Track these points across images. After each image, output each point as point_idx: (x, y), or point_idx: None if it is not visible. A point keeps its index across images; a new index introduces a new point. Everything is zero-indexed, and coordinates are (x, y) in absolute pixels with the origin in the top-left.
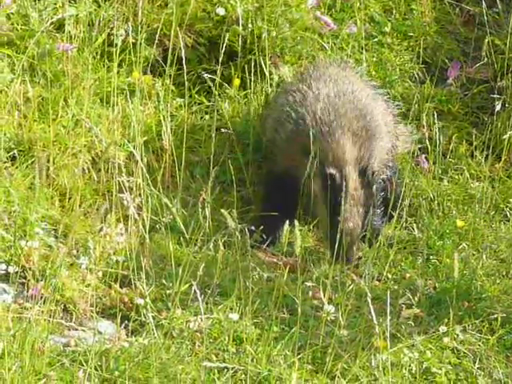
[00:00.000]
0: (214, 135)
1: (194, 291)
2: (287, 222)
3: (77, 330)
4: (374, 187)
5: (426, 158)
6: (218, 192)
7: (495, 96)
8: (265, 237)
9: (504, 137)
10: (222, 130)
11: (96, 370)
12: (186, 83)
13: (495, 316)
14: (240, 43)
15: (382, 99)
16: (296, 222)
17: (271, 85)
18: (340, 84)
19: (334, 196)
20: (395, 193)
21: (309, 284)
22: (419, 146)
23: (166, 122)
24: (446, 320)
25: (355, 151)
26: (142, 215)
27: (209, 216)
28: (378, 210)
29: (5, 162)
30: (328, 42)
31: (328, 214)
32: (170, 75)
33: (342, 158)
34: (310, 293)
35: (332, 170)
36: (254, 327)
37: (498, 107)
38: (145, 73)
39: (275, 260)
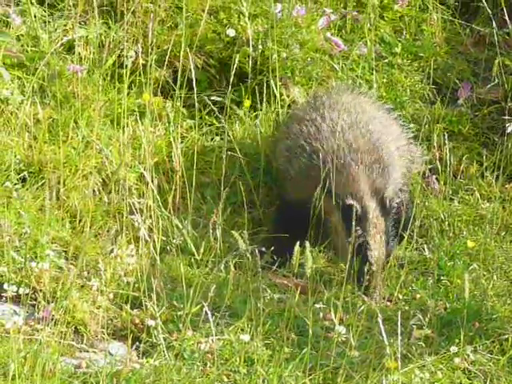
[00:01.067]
0: (224, 157)
1: (205, 312)
2: (298, 243)
3: (88, 351)
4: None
5: (436, 178)
6: (228, 213)
7: (506, 117)
8: (275, 258)
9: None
10: (232, 153)
11: None
12: (197, 105)
13: (506, 336)
14: (250, 64)
15: (396, 124)
16: (307, 244)
17: (282, 106)
18: (353, 114)
19: (357, 227)
20: (406, 214)
21: (319, 305)
22: (429, 166)
23: (177, 144)
24: (457, 340)
25: (370, 182)
26: (153, 237)
27: (220, 237)
28: (391, 233)
29: (15, 184)
30: (338, 63)
31: (351, 244)
32: (180, 97)
33: (358, 190)
34: (321, 314)
35: (351, 201)
36: (265, 348)
37: (508, 128)
38: (155, 94)
39: (286, 281)
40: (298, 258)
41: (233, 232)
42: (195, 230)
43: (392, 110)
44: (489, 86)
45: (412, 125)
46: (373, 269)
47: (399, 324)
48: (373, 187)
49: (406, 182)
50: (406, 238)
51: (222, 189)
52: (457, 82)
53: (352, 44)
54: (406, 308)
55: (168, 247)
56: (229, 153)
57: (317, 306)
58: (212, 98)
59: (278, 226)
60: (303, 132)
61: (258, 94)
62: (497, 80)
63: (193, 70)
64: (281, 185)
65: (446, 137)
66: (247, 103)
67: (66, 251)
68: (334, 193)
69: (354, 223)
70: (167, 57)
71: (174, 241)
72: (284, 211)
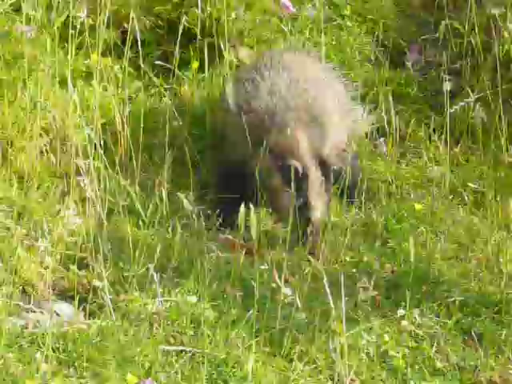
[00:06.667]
0: (171, 118)
1: (152, 274)
2: (243, 204)
3: (35, 311)
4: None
5: (384, 141)
6: (175, 175)
7: (452, 78)
8: (221, 220)
9: (451, 110)
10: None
11: (54, 351)
12: (144, 66)
13: (453, 299)
14: (199, 26)
15: (338, 83)
16: (251, 206)
17: (230, 68)
18: (292, 73)
19: (299, 188)
20: (353, 176)
21: (265, 267)
22: (377, 128)
23: (125, 105)
24: (404, 303)
25: (309, 141)
26: (100, 198)
27: (166, 199)
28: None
29: None
30: (287, 25)
31: (295, 205)
32: (129, 58)
33: (298, 149)
34: (268, 275)
35: (294, 163)
36: (212, 310)
37: (447, 86)
38: (104, 55)
39: (232, 243)
40: (243, 220)
41: (179, 193)
42: (142, 191)
43: (336, 69)
44: (437, 48)
45: (360, 86)
46: (317, 229)
47: (345, 286)
48: (312, 147)
49: (351, 144)
50: (359, 200)
51: (167, 150)
52: (405, 44)
53: (301, 6)
54: (353, 270)
55: (115, 208)
56: (176, 114)
57: (263, 267)
58: (159, 59)
59: (221, 187)
60: (242, 92)
61: (206, 56)
62: (445, 42)
63: (139, 31)
64: (223, 147)
65: (394, 99)
66: (195, 64)
67: (13, 211)
68: (274, 153)
69: (293, 184)
70: (116, 18)
71: (121, 202)
72: (226, 174)
